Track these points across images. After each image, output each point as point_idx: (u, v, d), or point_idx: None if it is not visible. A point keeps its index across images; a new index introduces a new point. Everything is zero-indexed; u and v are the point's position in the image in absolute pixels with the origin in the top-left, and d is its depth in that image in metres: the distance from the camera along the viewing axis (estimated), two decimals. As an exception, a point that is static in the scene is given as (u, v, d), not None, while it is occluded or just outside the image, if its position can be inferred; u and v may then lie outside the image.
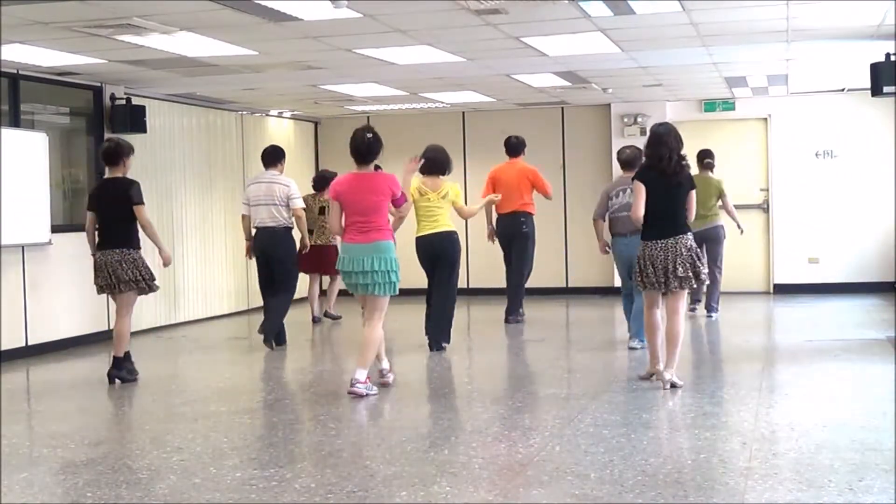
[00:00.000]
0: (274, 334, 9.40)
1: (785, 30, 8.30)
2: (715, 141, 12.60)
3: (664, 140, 6.98)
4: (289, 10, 7.04)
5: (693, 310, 10.78)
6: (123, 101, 10.44)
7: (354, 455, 5.40)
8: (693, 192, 7.10)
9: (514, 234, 10.59)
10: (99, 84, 10.34)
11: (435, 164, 8.80)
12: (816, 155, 13.18)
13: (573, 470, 4.93)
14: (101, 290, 7.85)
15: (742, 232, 11.33)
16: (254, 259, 9.55)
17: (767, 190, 13.36)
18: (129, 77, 10.03)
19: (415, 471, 4.99)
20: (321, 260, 11.08)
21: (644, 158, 7.24)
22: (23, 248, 9.31)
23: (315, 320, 11.33)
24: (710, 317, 10.81)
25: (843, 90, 12.82)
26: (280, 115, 13.83)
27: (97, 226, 7.81)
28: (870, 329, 9.78)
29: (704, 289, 9.55)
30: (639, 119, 13.43)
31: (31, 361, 9.13)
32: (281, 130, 13.82)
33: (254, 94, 11.59)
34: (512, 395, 7.12)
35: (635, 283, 7.20)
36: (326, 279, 11.95)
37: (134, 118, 10.40)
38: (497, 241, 10.80)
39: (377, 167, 7.24)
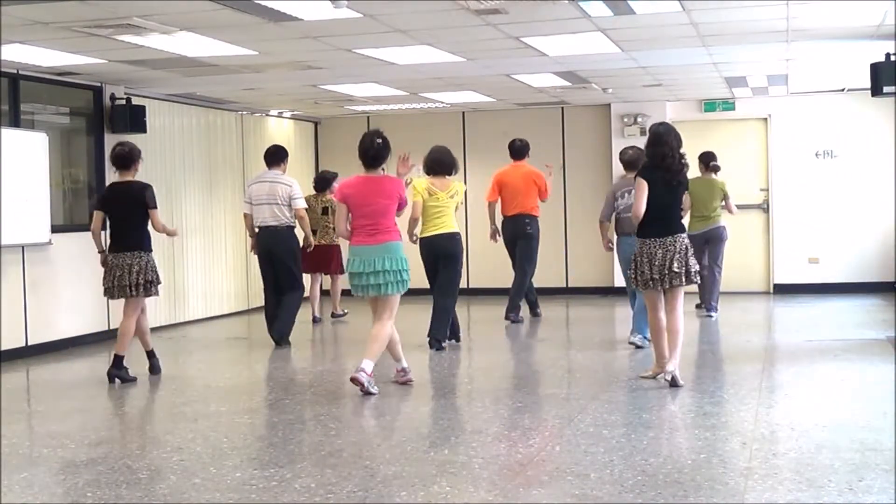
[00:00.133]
0: (288, 335, 9.47)
1: (785, 30, 8.30)
2: (715, 141, 12.62)
3: (665, 139, 7.06)
4: (289, 10, 7.04)
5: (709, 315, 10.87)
6: (123, 101, 10.44)
7: (354, 455, 5.40)
8: (686, 193, 7.21)
9: (518, 235, 10.66)
10: (99, 84, 10.35)
11: (441, 164, 8.90)
12: (816, 155, 13.18)
13: (573, 470, 4.93)
14: (107, 291, 7.89)
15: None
16: (256, 258, 9.58)
17: (767, 190, 13.36)
18: (129, 77, 10.03)
19: (415, 471, 4.99)
20: (324, 260, 11.14)
21: (646, 158, 7.27)
22: (23, 248, 9.31)
23: (315, 320, 11.34)
24: (710, 316, 10.81)
25: (843, 90, 12.82)
26: (280, 115, 13.83)
27: (107, 227, 7.90)
28: (870, 329, 9.78)
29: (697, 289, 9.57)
30: (639, 119, 13.43)
31: (31, 361, 9.13)
32: (281, 130, 13.82)
33: (254, 94, 11.59)
34: (512, 395, 7.13)
35: (630, 281, 7.24)
36: (328, 279, 11.94)
37: (134, 118, 10.41)
38: (500, 241, 10.85)
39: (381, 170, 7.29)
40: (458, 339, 9.32)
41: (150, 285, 7.82)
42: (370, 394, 6.90)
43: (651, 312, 7.20)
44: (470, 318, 11.89)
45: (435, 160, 8.91)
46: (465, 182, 13.27)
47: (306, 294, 10.69)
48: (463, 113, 14.14)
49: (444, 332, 9.02)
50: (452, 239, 8.92)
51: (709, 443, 5.49)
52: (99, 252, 7.99)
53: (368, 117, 14.21)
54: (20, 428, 6.52)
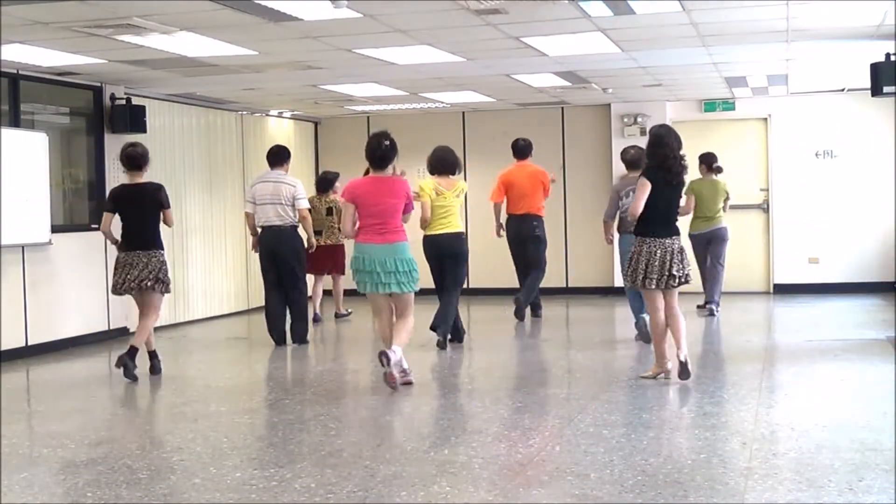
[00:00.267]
0: (306, 335, 9.62)
1: (785, 30, 8.30)
2: (715, 141, 12.62)
3: (665, 141, 7.16)
4: (289, 10, 7.04)
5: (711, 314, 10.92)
6: (123, 101, 10.45)
7: (354, 455, 5.40)
8: (689, 194, 7.30)
9: (526, 236, 10.67)
10: (99, 84, 10.34)
11: (446, 164, 8.96)
12: (816, 155, 13.17)
13: (573, 470, 4.93)
14: (115, 287, 7.94)
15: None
16: (256, 258, 9.61)
17: (767, 190, 13.35)
18: (129, 77, 10.03)
19: (415, 471, 4.99)
20: (327, 260, 11.18)
21: (648, 159, 7.30)
22: (23, 248, 9.31)
23: (316, 320, 11.34)
24: (712, 312, 10.83)
25: (843, 90, 12.82)
26: (280, 115, 13.83)
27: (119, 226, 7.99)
28: (870, 329, 9.78)
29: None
30: (639, 119, 13.42)
31: (31, 361, 9.13)
32: (281, 130, 13.82)
33: (254, 94, 11.59)
34: (512, 395, 7.13)
35: (626, 279, 7.30)
36: (328, 281, 11.94)
37: (134, 118, 10.41)
38: (504, 240, 10.85)
39: None
40: (460, 341, 9.34)
41: (161, 283, 7.93)
42: (408, 381, 7.19)
43: (652, 313, 7.26)
44: (470, 318, 11.89)
45: (439, 160, 8.94)
46: (465, 182, 13.27)
47: (309, 294, 10.70)
48: (463, 113, 14.14)
49: (446, 327, 9.02)
50: (459, 238, 8.99)
51: (709, 443, 5.50)
52: (113, 243, 8.10)
53: (368, 117, 14.21)
54: (20, 428, 6.52)
